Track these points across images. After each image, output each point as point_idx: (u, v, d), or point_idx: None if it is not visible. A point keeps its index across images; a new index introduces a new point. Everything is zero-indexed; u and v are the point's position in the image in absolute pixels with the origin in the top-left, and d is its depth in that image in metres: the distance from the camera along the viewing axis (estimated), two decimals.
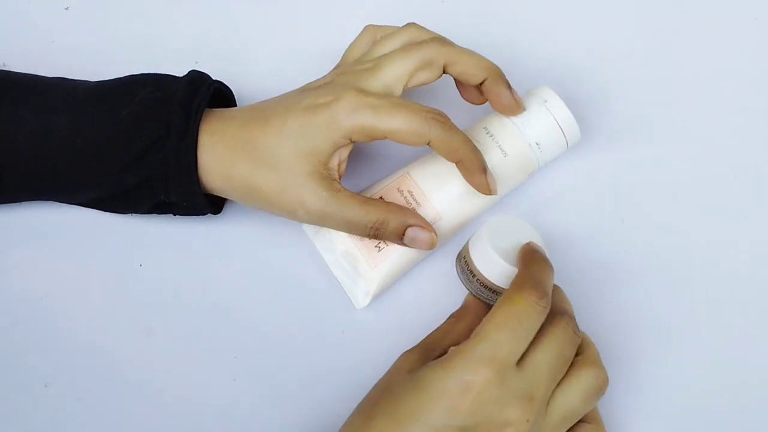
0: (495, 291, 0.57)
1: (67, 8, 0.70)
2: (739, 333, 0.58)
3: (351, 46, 0.62)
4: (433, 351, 0.54)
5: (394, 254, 0.59)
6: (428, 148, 0.56)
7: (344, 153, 0.57)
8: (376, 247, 0.59)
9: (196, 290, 0.61)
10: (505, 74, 0.58)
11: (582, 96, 0.61)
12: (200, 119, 0.57)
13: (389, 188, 0.59)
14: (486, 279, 0.56)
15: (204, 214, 0.61)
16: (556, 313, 0.52)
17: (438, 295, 0.60)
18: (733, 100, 0.65)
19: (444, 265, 0.61)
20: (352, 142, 0.56)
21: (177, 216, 0.61)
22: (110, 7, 0.69)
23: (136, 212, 0.61)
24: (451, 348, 0.51)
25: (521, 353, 0.50)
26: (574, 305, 0.58)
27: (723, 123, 0.64)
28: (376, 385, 0.54)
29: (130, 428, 0.58)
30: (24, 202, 0.63)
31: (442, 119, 0.55)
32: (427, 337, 0.56)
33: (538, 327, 0.51)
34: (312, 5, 0.70)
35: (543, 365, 0.50)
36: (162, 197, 0.58)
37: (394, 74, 0.56)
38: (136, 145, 0.57)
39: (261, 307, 0.60)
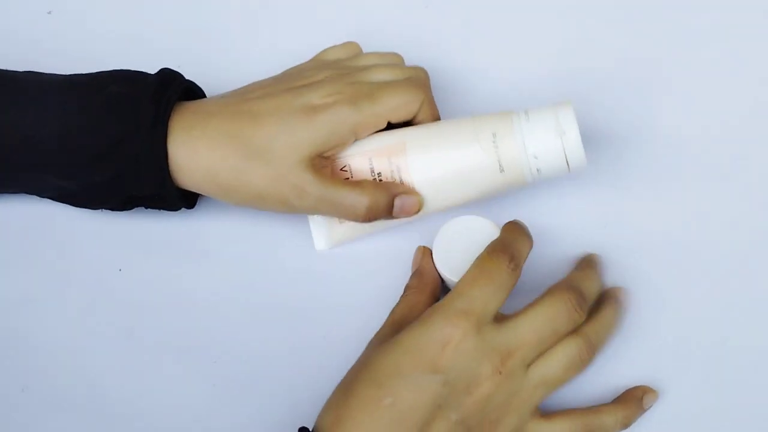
0: None
1: (49, 12, 0.70)
2: (733, 336, 0.58)
3: (330, 48, 0.62)
4: (405, 325, 0.54)
5: None
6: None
7: (344, 146, 0.58)
8: None
9: (176, 294, 0.61)
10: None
11: (577, 95, 0.61)
12: (171, 112, 0.57)
13: (380, 152, 0.58)
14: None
15: (177, 209, 0.60)
16: (563, 287, 0.54)
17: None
18: (733, 99, 0.64)
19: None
20: (356, 137, 0.57)
21: (154, 215, 0.61)
22: (93, 12, 0.69)
23: (107, 207, 0.60)
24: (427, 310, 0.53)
25: (496, 309, 0.52)
26: None
27: (723, 122, 0.64)
28: (351, 367, 0.54)
29: None
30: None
31: (423, 79, 0.60)
32: (392, 314, 0.57)
33: (509, 286, 0.53)
34: (296, 7, 0.70)
35: (525, 326, 0.52)
36: (134, 192, 0.58)
37: (389, 106, 0.57)
38: (103, 139, 0.56)
39: (240, 311, 0.60)
